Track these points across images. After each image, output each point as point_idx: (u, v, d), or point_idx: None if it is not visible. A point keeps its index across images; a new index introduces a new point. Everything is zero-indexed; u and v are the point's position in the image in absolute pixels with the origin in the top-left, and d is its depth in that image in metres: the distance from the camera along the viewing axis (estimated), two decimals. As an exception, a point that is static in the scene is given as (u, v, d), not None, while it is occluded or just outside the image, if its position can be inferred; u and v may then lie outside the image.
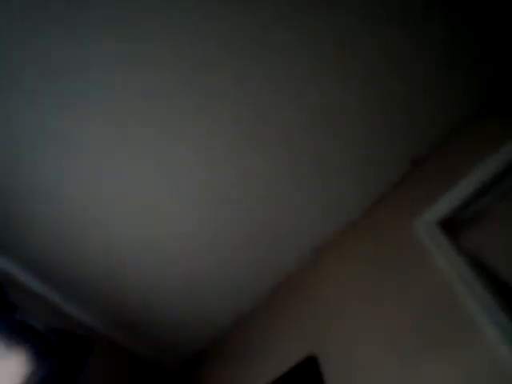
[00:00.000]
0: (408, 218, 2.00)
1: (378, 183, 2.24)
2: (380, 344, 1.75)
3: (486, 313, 1.45)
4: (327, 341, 1.98)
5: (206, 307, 2.58)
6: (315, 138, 2.07)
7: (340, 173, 2.19)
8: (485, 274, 1.61)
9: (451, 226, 1.86)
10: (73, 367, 2.15)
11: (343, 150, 2.12)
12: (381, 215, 2.17)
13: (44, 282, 2.34)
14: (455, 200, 1.87)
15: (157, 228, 2.25)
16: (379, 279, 1.93)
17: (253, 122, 1.99)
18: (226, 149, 2.04)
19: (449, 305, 1.60)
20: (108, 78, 1.81)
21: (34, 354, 2.04)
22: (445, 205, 1.90)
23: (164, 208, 2.18)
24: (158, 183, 2.10)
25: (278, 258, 2.43)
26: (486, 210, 1.81)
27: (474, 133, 2.02)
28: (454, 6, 1.82)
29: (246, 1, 1.71)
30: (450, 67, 1.97)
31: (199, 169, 2.09)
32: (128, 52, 1.77)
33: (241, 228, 2.29)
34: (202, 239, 2.31)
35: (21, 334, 2.03)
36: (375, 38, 1.85)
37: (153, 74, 1.82)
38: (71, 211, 2.14)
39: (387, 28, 1.83)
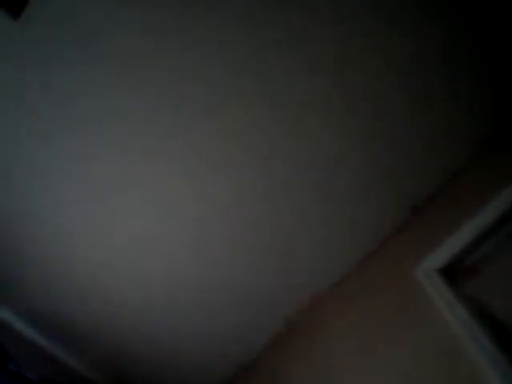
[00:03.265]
0: (408, 266, 1.97)
1: (377, 231, 2.22)
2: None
3: (488, 361, 1.40)
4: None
5: (207, 358, 2.51)
6: (312, 189, 2.08)
7: (340, 220, 2.18)
8: (486, 321, 1.56)
9: (452, 273, 1.83)
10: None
11: (343, 200, 2.12)
12: (381, 264, 2.14)
13: (41, 331, 2.31)
14: (456, 247, 1.85)
15: (156, 284, 2.24)
16: (379, 330, 1.88)
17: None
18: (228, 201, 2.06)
19: (450, 353, 1.55)
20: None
21: (26, 406, 1.98)
22: (445, 252, 1.87)
23: (159, 258, 2.18)
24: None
25: (278, 306, 2.38)
26: (487, 257, 1.78)
27: (474, 178, 2.01)
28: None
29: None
30: (450, 118, 2.00)
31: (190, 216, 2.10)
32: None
33: (240, 281, 2.27)
34: (202, 287, 2.29)
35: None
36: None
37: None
38: (72, 263, 2.15)
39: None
